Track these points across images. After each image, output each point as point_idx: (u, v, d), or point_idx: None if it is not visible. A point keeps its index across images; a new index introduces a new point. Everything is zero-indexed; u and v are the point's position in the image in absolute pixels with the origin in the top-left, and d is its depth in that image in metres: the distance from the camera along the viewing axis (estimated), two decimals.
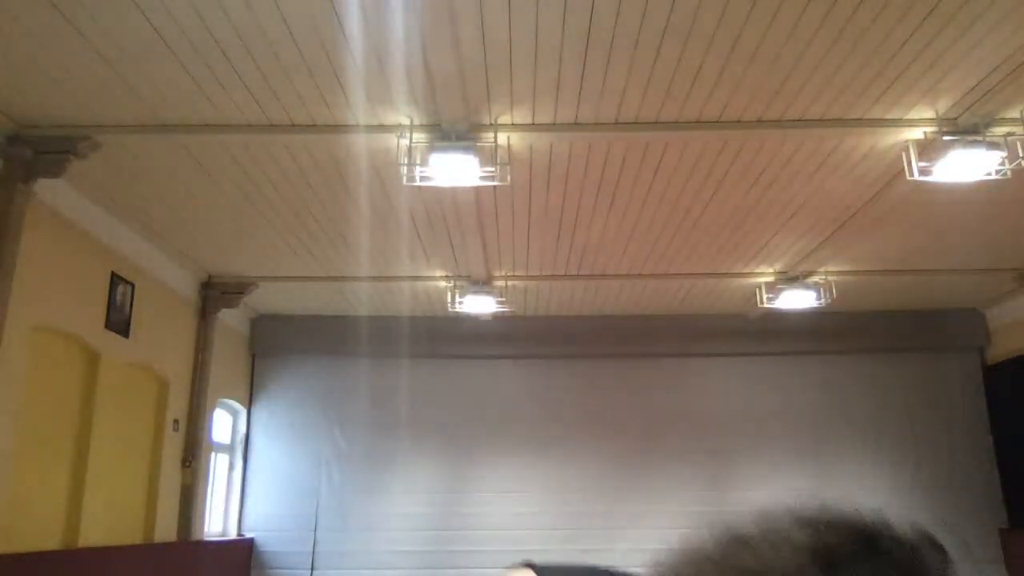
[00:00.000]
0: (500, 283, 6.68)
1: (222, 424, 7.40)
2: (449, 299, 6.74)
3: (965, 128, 4.05)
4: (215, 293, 6.74)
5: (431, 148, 4.10)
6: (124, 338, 5.42)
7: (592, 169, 4.66)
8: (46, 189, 4.40)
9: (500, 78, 3.73)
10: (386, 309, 7.67)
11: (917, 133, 4.15)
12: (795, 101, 3.94)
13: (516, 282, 6.77)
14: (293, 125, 4.13)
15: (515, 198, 5.04)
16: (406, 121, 4.05)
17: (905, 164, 4.24)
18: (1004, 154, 4.02)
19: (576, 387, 7.92)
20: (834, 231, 5.67)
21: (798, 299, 6.78)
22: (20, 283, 4.16)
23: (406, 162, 4.06)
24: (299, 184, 4.84)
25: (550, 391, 7.91)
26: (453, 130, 4.08)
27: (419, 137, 4.10)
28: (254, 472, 7.68)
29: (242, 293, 6.83)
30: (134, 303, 5.55)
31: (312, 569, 7.42)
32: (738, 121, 4.14)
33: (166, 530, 6.00)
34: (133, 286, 5.54)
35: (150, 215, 5.33)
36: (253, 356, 7.95)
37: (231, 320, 7.27)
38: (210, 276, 6.72)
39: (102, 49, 3.44)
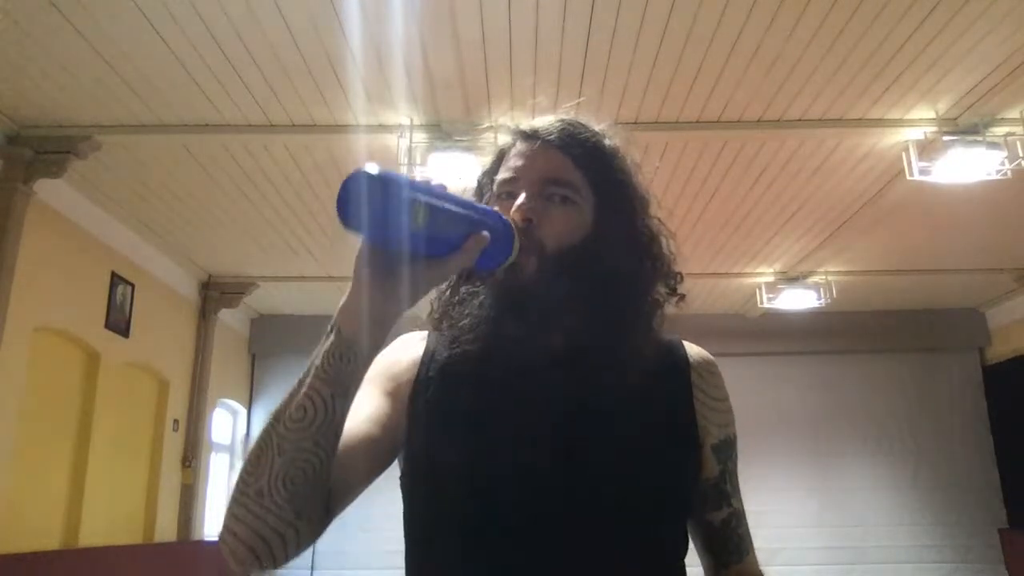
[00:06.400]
0: None
1: (222, 424, 7.40)
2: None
3: (965, 128, 4.05)
4: (215, 293, 6.74)
5: (431, 148, 4.10)
6: (124, 338, 5.42)
7: None
8: (46, 189, 4.39)
9: (500, 78, 3.73)
10: None
11: (917, 133, 4.15)
12: (795, 101, 3.94)
13: None
14: (293, 125, 4.13)
15: None
16: (406, 121, 4.05)
17: (905, 164, 4.24)
18: (1004, 154, 4.02)
19: None
20: (834, 231, 5.67)
21: (798, 299, 6.78)
22: (20, 283, 4.16)
23: (406, 162, 4.06)
24: (299, 184, 4.84)
25: None
26: (453, 130, 4.08)
27: (419, 137, 4.10)
28: None
29: (242, 293, 6.83)
30: (134, 303, 5.55)
31: (312, 569, 7.41)
32: (738, 121, 4.14)
33: (166, 530, 6.00)
34: (133, 286, 5.54)
35: (150, 215, 5.33)
36: (253, 356, 7.95)
37: (231, 320, 7.27)
38: (210, 276, 6.72)
39: (102, 49, 3.44)
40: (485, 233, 0.81)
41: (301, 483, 0.76)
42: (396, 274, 0.77)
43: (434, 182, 0.79)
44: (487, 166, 1.03)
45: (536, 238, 0.90)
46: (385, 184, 0.72)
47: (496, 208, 0.93)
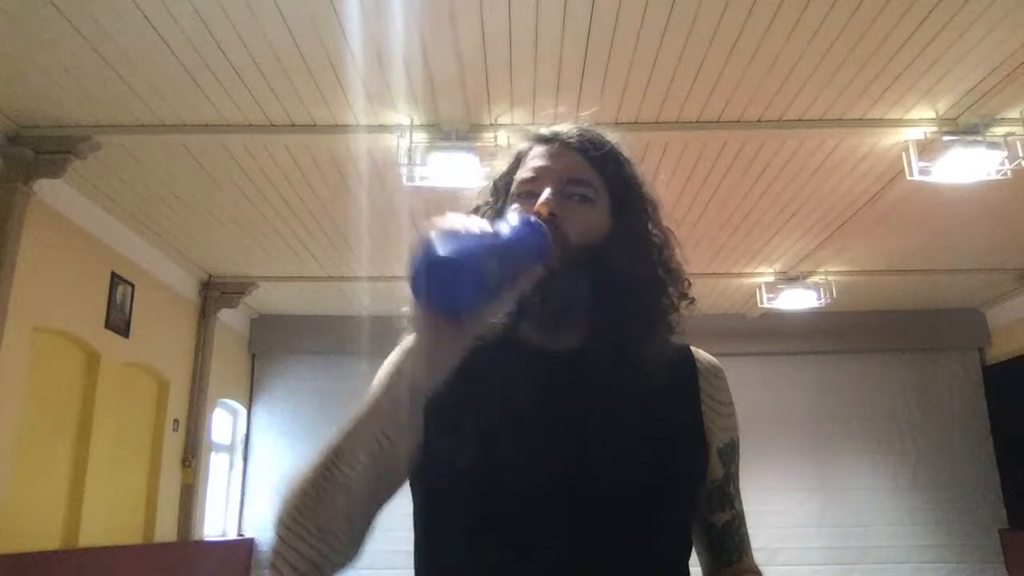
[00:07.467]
0: None
1: (222, 424, 7.40)
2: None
3: (965, 128, 4.05)
4: (215, 293, 6.74)
5: (431, 148, 4.10)
6: (124, 338, 5.42)
7: None
8: (46, 189, 4.39)
9: (500, 78, 3.73)
10: (387, 309, 7.66)
11: (917, 133, 4.15)
12: (795, 101, 3.94)
13: None
14: (293, 125, 4.13)
15: None
16: (406, 121, 4.05)
17: (905, 164, 4.24)
18: (1004, 154, 4.02)
19: None
20: (834, 231, 5.67)
21: (798, 299, 6.78)
22: (20, 283, 4.16)
23: (406, 162, 4.06)
24: (299, 184, 4.84)
25: None
26: (453, 130, 4.08)
27: (419, 137, 4.10)
28: (254, 472, 7.67)
29: (242, 293, 6.83)
30: (134, 303, 5.55)
31: None
32: (738, 121, 4.14)
33: (166, 530, 6.00)
34: (133, 286, 5.54)
35: (150, 215, 5.33)
36: (253, 356, 7.94)
37: (231, 320, 7.27)
38: (210, 276, 6.72)
39: (102, 49, 3.44)
40: (539, 268, 0.82)
41: (363, 520, 0.80)
42: (462, 323, 0.76)
43: (476, 222, 0.75)
44: (503, 169, 1.06)
45: (561, 231, 0.92)
46: (455, 263, 0.69)
47: (518, 207, 0.96)
